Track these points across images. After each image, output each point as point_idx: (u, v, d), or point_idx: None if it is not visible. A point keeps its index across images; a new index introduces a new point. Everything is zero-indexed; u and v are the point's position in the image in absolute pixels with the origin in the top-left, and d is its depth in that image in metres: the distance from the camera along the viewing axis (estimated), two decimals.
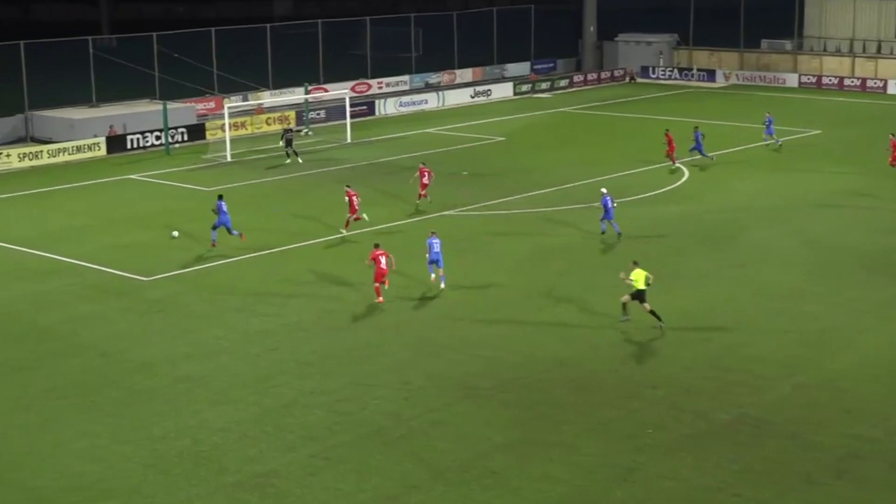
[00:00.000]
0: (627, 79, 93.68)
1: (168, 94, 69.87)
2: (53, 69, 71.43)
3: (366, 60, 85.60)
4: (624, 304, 33.24)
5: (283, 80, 78.11)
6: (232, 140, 61.20)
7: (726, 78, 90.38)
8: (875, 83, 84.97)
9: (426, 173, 47.88)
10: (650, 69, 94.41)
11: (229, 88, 74.97)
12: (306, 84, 72.46)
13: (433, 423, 26.67)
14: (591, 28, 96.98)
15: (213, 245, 42.02)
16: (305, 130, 67.83)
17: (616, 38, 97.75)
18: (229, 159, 59.32)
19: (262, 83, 77.12)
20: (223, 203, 42.45)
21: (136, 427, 26.66)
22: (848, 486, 23.51)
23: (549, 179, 53.19)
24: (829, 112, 75.49)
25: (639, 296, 32.75)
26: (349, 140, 64.06)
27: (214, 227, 42.07)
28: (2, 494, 23.65)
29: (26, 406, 28.15)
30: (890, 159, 53.09)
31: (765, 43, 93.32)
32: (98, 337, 32.97)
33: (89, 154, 61.22)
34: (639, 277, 32.72)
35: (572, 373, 29.75)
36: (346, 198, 43.07)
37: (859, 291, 36.23)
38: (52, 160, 59.88)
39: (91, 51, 70.83)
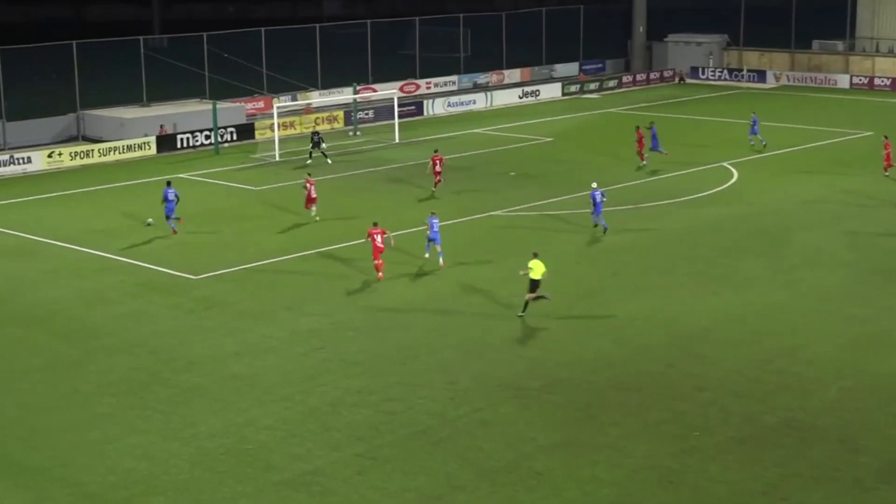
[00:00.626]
0: (677, 79, 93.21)
1: (218, 94, 70.33)
2: (105, 69, 72.11)
3: (414, 60, 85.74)
4: (526, 302, 34.09)
5: (332, 80, 78.36)
6: (280, 140, 61.45)
7: (776, 79, 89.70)
8: None
9: (437, 161, 49.84)
10: (700, 70, 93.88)
11: (278, 88, 75.34)
12: (355, 84, 72.63)
13: (479, 424, 26.66)
14: (640, 28, 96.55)
15: (174, 232, 44.22)
16: (353, 130, 68.03)
17: (665, 39, 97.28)
18: (278, 159, 59.57)
19: (310, 83, 77.40)
20: (170, 190, 44.46)
21: (184, 424, 26.84)
22: None
23: (597, 180, 52.89)
24: (881, 114, 74.60)
25: (533, 285, 33.75)
26: (397, 140, 64.15)
27: (168, 217, 44.36)
28: (52, 490, 23.88)
29: (77, 403, 28.41)
30: (884, 164, 52.54)
31: (816, 44, 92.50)
32: (147, 334, 33.22)
33: (139, 153, 61.71)
34: (537, 268, 33.74)
35: (620, 374, 29.64)
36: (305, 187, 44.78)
37: None
38: (103, 159, 60.40)
39: (142, 51, 71.42)
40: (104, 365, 30.84)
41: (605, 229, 43.37)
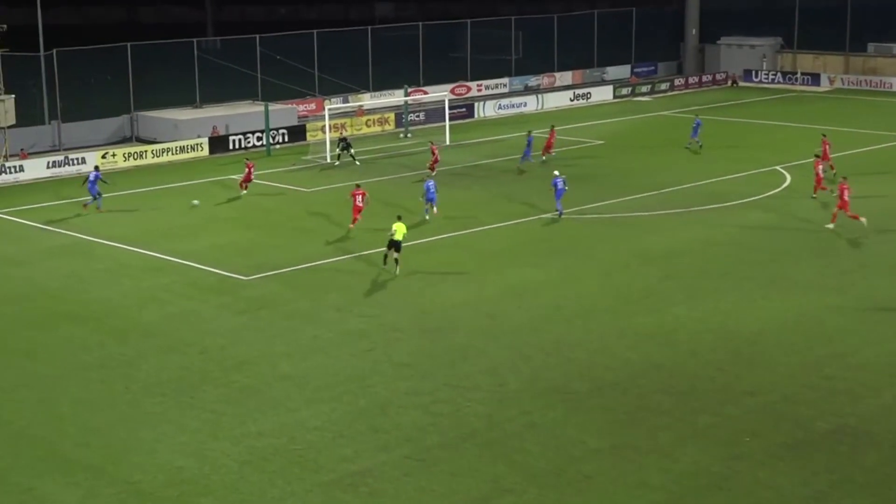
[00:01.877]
0: (729, 82, 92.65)
1: (270, 96, 70.75)
2: (158, 70, 72.71)
3: (465, 62, 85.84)
4: (385, 256, 38.73)
5: (383, 82, 78.63)
6: (332, 141, 61.67)
7: (831, 82, 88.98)
8: None
9: (435, 150, 53.96)
10: (753, 73, 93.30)
11: (330, 90, 75.69)
12: (406, 86, 72.82)
13: (527, 426, 26.65)
14: (692, 31, 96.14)
15: (99, 210, 48.62)
16: (404, 133, 68.22)
17: (718, 42, 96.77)
18: (329, 160, 59.82)
19: (362, 85, 77.68)
20: (94, 174, 49.15)
21: (234, 424, 27.03)
22: None
23: (649, 183, 52.82)
24: None
25: (395, 245, 38.32)
26: (448, 142, 64.21)
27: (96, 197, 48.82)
28: (103, 487, 24.13)
29: (129, 401, 28.69)
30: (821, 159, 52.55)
31: (871, 46, 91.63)
32: (198, 334, 33.48)
33: (192, 154, 62.22)
34: (399, 229, 38.33)
35: (670, 378, 29.51)
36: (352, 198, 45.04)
37: None
38: (156, 160, 60.96)
39: (195, 52, 72.00)
40: (156, 364, 31.12)
41: (560, 214, 46.33)
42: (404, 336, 33.03)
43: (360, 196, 43.90)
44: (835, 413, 27.12)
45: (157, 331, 33.91)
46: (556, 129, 61.08)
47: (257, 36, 75.04)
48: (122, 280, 39.39)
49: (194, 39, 73.93)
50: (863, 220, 43.35)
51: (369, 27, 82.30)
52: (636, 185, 52.65)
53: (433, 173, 52.70)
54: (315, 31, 78.30)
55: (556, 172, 47.65)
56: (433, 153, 54.67)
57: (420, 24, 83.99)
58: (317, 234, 45.14)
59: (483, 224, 45.80)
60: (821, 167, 48.71)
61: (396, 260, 38.52)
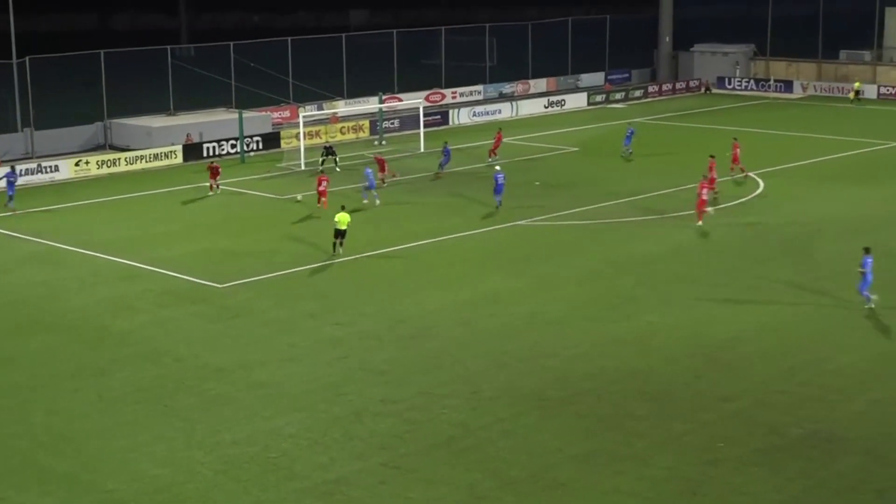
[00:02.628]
0: (703, 90, 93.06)
1: (244, 103, 70.65)
2: (132, 78, 72.50)
3: (440, 70, 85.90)
4: (334, 244, 42.04)
5: (358, 90, 78.59)
6: (306, 149, 61.67)
7: (803, 89, 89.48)
8: None
9: (382, 162, 54.86)
10: (726, 80, 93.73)
11: (304, 97, 75.61)
12: (380, 93, 72.83)
13: (502, 434, 26.67)
14: (666, 38, 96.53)
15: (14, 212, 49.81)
16: (379, 140, 68.22)
17: (692, 49, 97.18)
18: (303, 168, 59.77)
19: (336, 92, 77.66)
20: (10, 173, 50.77)
21: (209, 432, 26.95)
22: None
23: (623, 190, 52.98)
24: None
25: (340, 234, 41.78)
26: (422, 149, 64.24)
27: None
28: (77, 496, 24.02)
29: (103, 409, 28.57)
30: (735, 163, 54.88)
31: (843, 54, 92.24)
32: (172, 342, 33.38)
33: (166, 162, 62.05)
34: (342, 219, 41.68)
35: (644, 385, 29.59)
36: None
37: None
38: (130, 167, 60.75)
39: (169, 60, 71.81)
40: (130, 372, 31.00)
41: (499, 206, 49.29)
42: (379, 344, 33.02)
43: (325, 181, 49.59)
44: (809, 419, 27.25)
45: (132, 339, 33.79)
46: (502, 132, 62.51)
47: (231, 43, 74.91)
48: (95, 288, 39.23)
49: (168, 47, 73.72)
50: (710, 209, 46.26)
51: (343, 34, 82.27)
52: (610, 191, 52.81)
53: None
54: (289, 38, 78.22)
55: (497, 168, 51.21)
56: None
57: (394, 31, 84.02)
58: (292, 241, 45.08)
59: (458, 231, 45.84)
60: (705, 191, 46.48)
61: (341, 244, 42.07)
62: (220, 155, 63.32)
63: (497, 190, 49.48)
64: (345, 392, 29.31)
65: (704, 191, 46.04)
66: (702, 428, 26.84)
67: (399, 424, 27.24)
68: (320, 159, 58.63)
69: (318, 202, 49.21)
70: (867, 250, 35.21)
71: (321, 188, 49.33)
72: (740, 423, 27.11)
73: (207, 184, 54.31)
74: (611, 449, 25.78)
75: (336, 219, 42.15)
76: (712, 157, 51.42)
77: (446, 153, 57.52)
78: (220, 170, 54.36)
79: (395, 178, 55.17)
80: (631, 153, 61.35)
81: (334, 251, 42.23)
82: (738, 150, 55.18)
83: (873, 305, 35.09)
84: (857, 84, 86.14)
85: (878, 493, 23.58)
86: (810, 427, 26.77)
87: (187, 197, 53.96)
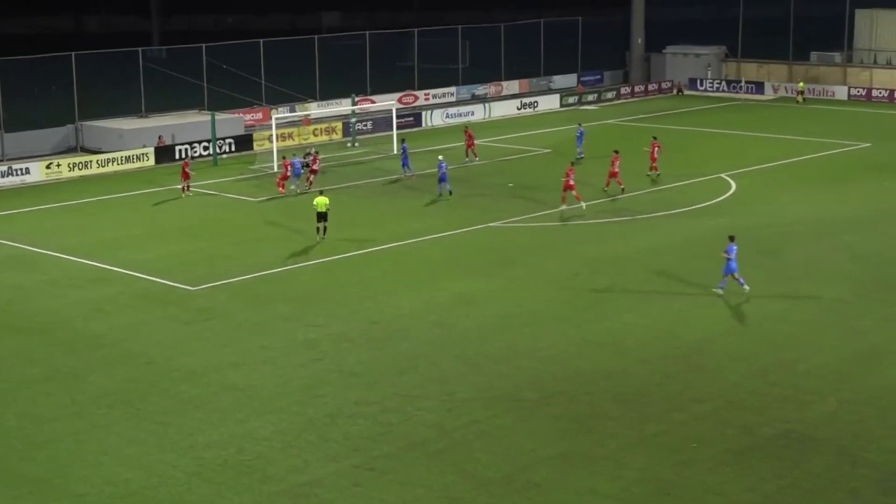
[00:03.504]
0: (675, 91, 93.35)
1: (216, 105, 70.42)
2: (104, 80, 72.20)
3: (413, 72, 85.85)
4: (318, 228, 44.31)
5: (331, 92, 78.45)
6: (279, 151, 61.50)
7: (775, 90, 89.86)
8: None
9: (317, 159, 55.69)
10: (698, 81, 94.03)
11: (277, 99, 75.44)
12: (353, 95, 72.73)
13: (477, 435, 26.65)
14: (638, 40, 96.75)
15: None
16: (352, 142, 68.12)
17: (664, 51, 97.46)
18: (276, 170, 59.56)
19: (309, 94, 77.50)
20: None
21: (182, 435, 26.83)
22: None
23: (595, 191, 53.03)
24: (879, 125, 74.82)
25: (321, 217, 44.08)
26: (395, 151, 64.14)
27: None
28: (49, 501, 23.87)
29: (75, 413, 28.40)
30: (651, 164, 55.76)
31: (814, 55, 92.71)
32: (145, 345, 33.22)
33: (138, 164, 61.78)
34: (321, 202, 44.19)
35: (618, 386, 29.63)
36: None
37: None
38: (102, 170, 60.45)
39: (141, 62, 71.49)
40: (102, 376, 30.83)
41: (451, 192, 51.82)
42: (353, 346, 32.95)
43: (290, 166, 53.43)
44: (781, 419, 27.35)
45: (104, 342, 33.61)
46: (469, 129, 63.42)
47: (203, 45, 74.64)
48: (68, 291, 39.01)
49: (140, 49, 73.37)
50: (579, 201, 48.67)
51: (316, 36, 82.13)
52: (583, 193, 52.79)
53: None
54: (262, 40, 78.05)
55: (441, 157, 53.42)
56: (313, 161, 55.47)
57: (367, 33, 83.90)
58: (264, 243, 44.98)
59: (430, 233, 45.82)
60: (571, 178, 48.96)
61: (325, 228, 44.33)
62: (192, 157, 63.07)
63: (441, 178, 51.68)
64: (319, 394, 29.23)
65: (570, 177, 49.02)
66: (675, 429, 26.90)
67: (373, 426, 27.18)
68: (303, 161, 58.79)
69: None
70: (732, 238, 36.64)
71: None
72: (713, 423, 27.17)
73: (180, 186, 54.13)
74: (585, 450, 25.81)
75: (314, 202, 44.55)
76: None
77: (404, 152, 57.68)
78: (189, 171, 54.15)
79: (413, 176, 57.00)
80: (580, 156, 60.86)
81: (318, 234, 44.33)
82: (657, 150, 55.85)
83: (720, 292, 36.57)
84: (801, 84, 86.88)
85: (850, 492, 23.67)
86: (783, 427, 26.86)
87: (160, 199, 53.74)
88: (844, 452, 25.48)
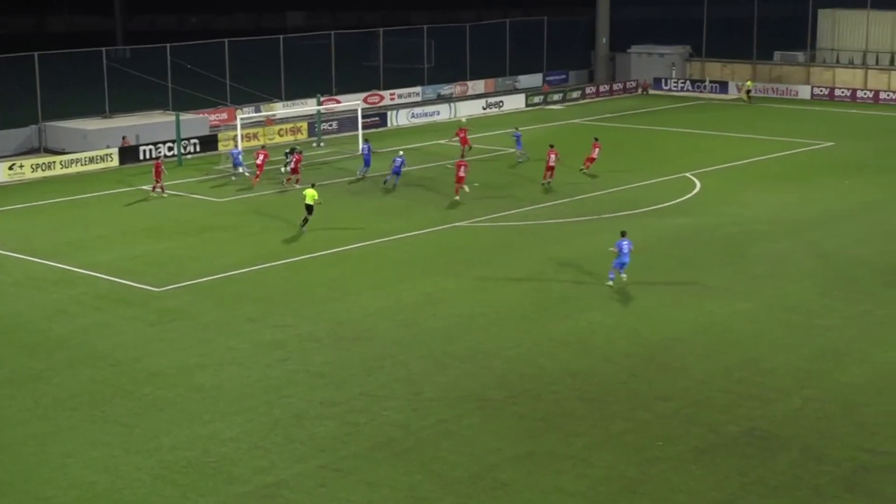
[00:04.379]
0: (640, 90, 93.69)
1: (181, 105, 70.10)
2: (67, 80, 71.69)
3: (378, 72, 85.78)
4: (305, 219, 45.34)
5: (296, 92, 78.24)
6: (244, 151, 61.29)
7: (738, 90, 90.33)
8: (888, 95, 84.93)
9: (262, 155, 55.60)
10: (663, 81, 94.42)
11: (242, 100, 75.17)
12: (319, 95, 72.59)
13: (443, 435, 26.67)
14: (603, 40, 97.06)
15: None
16: (317, 142, 67.99)
17: (629, 50, 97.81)
18: (241, 170, 59.35)
19: (274, 94, 77.28)
20: None
21: (147, 437, 26.71)
22: (859, 500, 23.45)
23: (561, 191, 53.19)
24: (842, 124, 75.41)
25: (308, 209, 45.09)
26: (360, 151, 63.98)
27: None
28: None
29: (39, 415, 28.22)
30: (586, 161, 56.95)
31: (777, 55, 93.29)
32: (109, 347, 33.04)
33: (102, 165, 61.41)
34: (309, 195, 45.20)
35: (584, 384, 29.72)
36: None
37: (873, 304, 36.15)
38: (65, 171, 60.06)
39: (105, 62, 71.08)
40: (66, 378, 30.65)
41: (395, 186, 53.76)
42: (320, 346, 32.90)
43: (263, 155, 54.86)
44: (745, 417, 27.50)
45: (68, 344, 33.41)
46: (466, 129, 63.26)
47: (167, 45, 74.30)
48: (31, 293, 38.76)
49: (103, 49, 72.93)
50: (466, 188, 50.97)
51: (281, 36, 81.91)
52: (548, 193, 52.98)
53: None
54: (226, 40, 77.77)
55: (401, 152, 55.19)
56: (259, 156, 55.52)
57: (332, 33, 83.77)
58: (230, 244, 44.84)
59: (396, 233, 45.79)
60: (462, 169, 51.39)
61: (305, 220, 45.37)
62: (156, 158, 62.76)
63: (394, 171, 53.80)
64: (285, 395, 29.17)
65: (462, 169, 51.30)
66: (640, 427, 27.00)
67: (340, 427, 27.15)
68: (286, 161, 58.87)
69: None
70: (623, 234, 38.29)
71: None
72: (678, 421, 27.30)
73: (148, 186, 53.89)
74: (551, 449, 25.87)
75: (304, 192, 45.93)
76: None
77: (368, 150, 57.67)
78: (161, 170, 53.96)
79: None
80: (520, 161, 60.79)
81: (302, 225, 45.54)
82: (597, 151, 56.67)
83: (612, 284, 37.84)
84: (748, 83, 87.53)
85: (814, 489, 23.84)
86: (747, 425, 27.02)
87: (124, 200, 53.45)
88: (809, 450, 25.65)
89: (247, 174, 56.24)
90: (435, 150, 65.27)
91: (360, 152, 59.10)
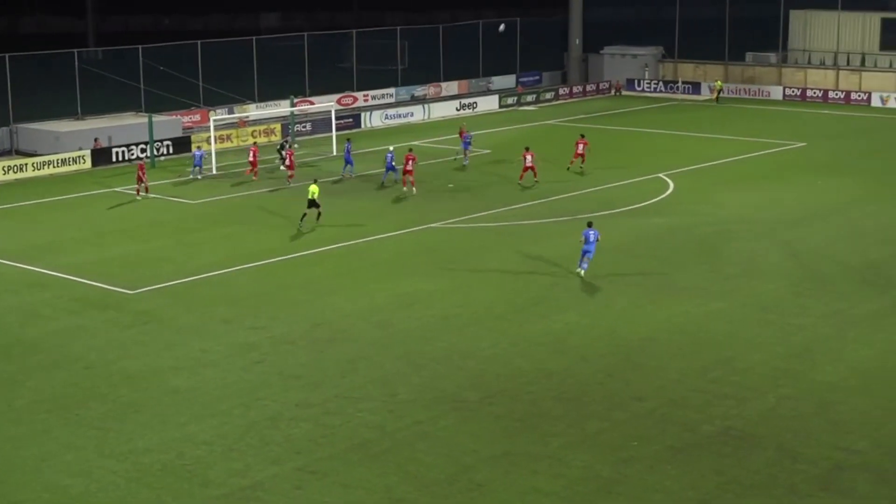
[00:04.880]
0: (613, 91, 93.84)
1: (154, 107, 69.78)
2: (39, 82, 71.34)
3: (352, 73, 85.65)
4: (303, 215, 46.09)
5: (269, 93, 78.09)
6: (217, 153, 61.15)
7: (711, 91, 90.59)
8: (859, 96, 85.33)
9: (291, 153, 56.98)
10: (636, 82, 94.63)
11: (215, 101, 74.95)
12: (292, 97, 72.43)
13: (419, 436, 26.60)
14: (576, 41, 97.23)
15: None
16: (291, 143, 67.79)
17: (602, 51, 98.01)
18: (214, 172, 59.23)
19: (247, 96, 77.06)
20: None
21: (121, 440, 26.54)
22: (834, 499, 23.50)
23: (535, 192, 53.23)
24: (814, 125, 75.76)
25: (313, 203, 45.83)
26: (335, 153, 63.96)
27: None
28: None
29: (12, 419, 28.01)
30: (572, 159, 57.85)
31: (749, 56, 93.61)
32: (83, 350, 32.83)
33: (74, 167, 61.10)
34: (313, 190, 45.96)
35: (560, 385, 29.70)
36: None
37: (846, 303, 36.28)
38: (37, 173, 59.71)
39: (77, 63, 70.74)
40: (40, 381, 30.43)
41: (395, 181, 54.28)
42: (294, 348, 32.78)
43: (252, 152, 56.71)
44: (721, 416, 27.54)
45: (41, 347, 33.18)
46: (465, 128, 63.49)
47: (140, 47, 74.00)
48: (3, 296, 38.47)
49: (75, 50, 72.60)
50: (414, 189, 52.82)
51: (254, 37, 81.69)
52: (523, 194, 53.02)
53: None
54: (199, 41, 77.48)
55: (391, 148, 56.71)
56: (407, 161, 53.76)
57: (306, 34, 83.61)
58: (204, 245, 44.66)
59: (372, 234, 45.70)
60: (410, 163, 52.89)
61: (318, 213, 46.31)
62: (129, 160, 62.50)
63: (388, 167, 54.87)
64: (260, 397, 29.04)
65: (409, 163, 52.83)
66: (616, 427, 27.01)
67: (315, 429, 27.05)
68: (280, 155, 59.15)
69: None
70: (590, 224, 39.45)
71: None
72: (654, 421, 27.31)
73: (122, 188, 53.64)
74: (527, 449, 25.83)
75: (310, 189, 46.30)
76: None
77: (347, 152, 57.70)
78: (143, 171, 53.85)
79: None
80: (461, 161, 60.81)
81: (301, 220, 46.29)
82: (582, 147, 57.33)
83: (583, 273, 38.81)
84: (718, 83, 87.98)
85: (789, 487, 23.88)
86: (722, 424, 27.05)
87: (97, 202, 53.17)
88: (784, 448, 25.70)
89: (198, 177, 57.24)
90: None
91: (342, 153, 58.82)
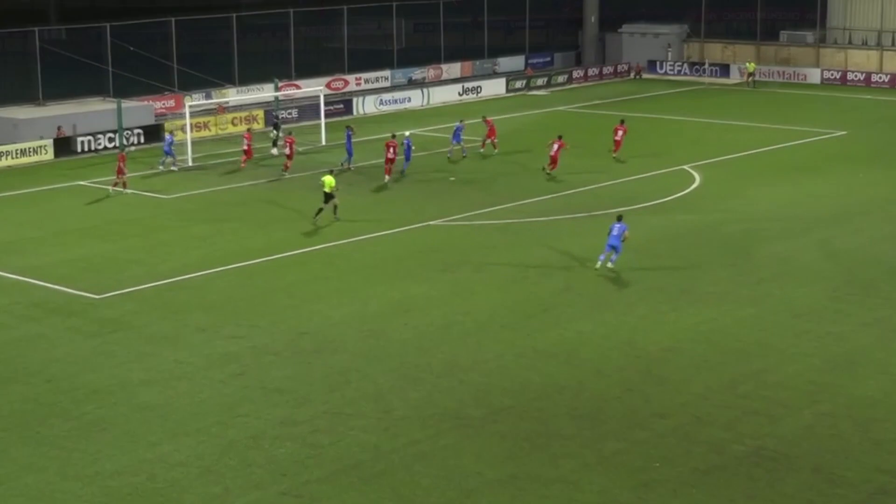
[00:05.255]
0: (632, 74, 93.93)
1: (123, 92, 69.87)
2: None
3: (342, 54, 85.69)
4: (320, 209, 46.45)
5: (251, 76, 78.15)
6: (194, 142, 61.22)
7: (742, 73, 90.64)
8: None
9: (292, 142, 57.09)
10: (657, 64, 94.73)
11: (191, 85, 75.01)
12: (276, 80, 72.49)
13: (416, 457, 26.65)
14: (592, 18, 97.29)
15: None
16: (274, 133, 67.90)
17: (620, 30, 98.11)
18: (191, 164, 59.30)
19: (227, 79, 77.18)
20: None
21: (86, 461, 26.59)
22: None
23: (546, 186, 53.29)
24: (856, 111, 75.84)
25: (327, 197, 46.38)
26: (324, 143, 64.06)
27: None
28: None
29: None
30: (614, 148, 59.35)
31: (784, 35, 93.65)
32: (44, 361, 32.89)
33: (35, 158, 61.19)
34: (328, 182, 46.36)
35: (572, 400, 29.74)
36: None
37: (890, 310, 36.33)
38: None
39: (38, 43, 70.81)
40: None
41: (403, 173, 55.17)
42: (278, 359, 32.84)
43: (247, 139, 57.54)
44: (752, 435, 27.58)
45: None
46: (490, 119, 63.34)
47: (108, 24, 74.08)
48: None
49: (35, 28, 72.69)
50: (387, 177, 54.10)
51: (234, 14, 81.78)
52: (532, 187, 53.06)
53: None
54: (173, 18, 77.53)
55: (407, 133, 57.95)
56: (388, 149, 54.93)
57: (291, 10, 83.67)
58: (178, 246, 44.72)
59: (364, 233, 45.76)
60: (392, 150, 54.05)
61: (335, 207, 46.70)
62: (96, 150, 62.60)
63: (406, 156, 55.67)
64: (240, 413, 29.10)
65: (391, 150, 53.90)
66: (636, 447, 27.04)
67: (301, 449, 27.11)
68: (274, 134, 59.93)
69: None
70: (619, 217, 39.95)
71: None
72: (677, 440, 27.35)
73: (86, 181, 53.75)
74: (536, 472, 25.88)
75: (322, 180, 46.91)
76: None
77: (349, 138, 57.89)
78: (123, 163, 53.67)
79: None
80: (459, 154, 60.83)
81: (315, 216, 46.60)
82: (621, 134, 58.91)
83: (598, 267, 39.42)
84: (750, 65, 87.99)
85: None
86: (753, 444, 27.09)
87: (60, 197, 53.27)
88: (821, 470, 25.74)
89: (173, 168, 57.91)
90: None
91: (332, 143, 59.06)
